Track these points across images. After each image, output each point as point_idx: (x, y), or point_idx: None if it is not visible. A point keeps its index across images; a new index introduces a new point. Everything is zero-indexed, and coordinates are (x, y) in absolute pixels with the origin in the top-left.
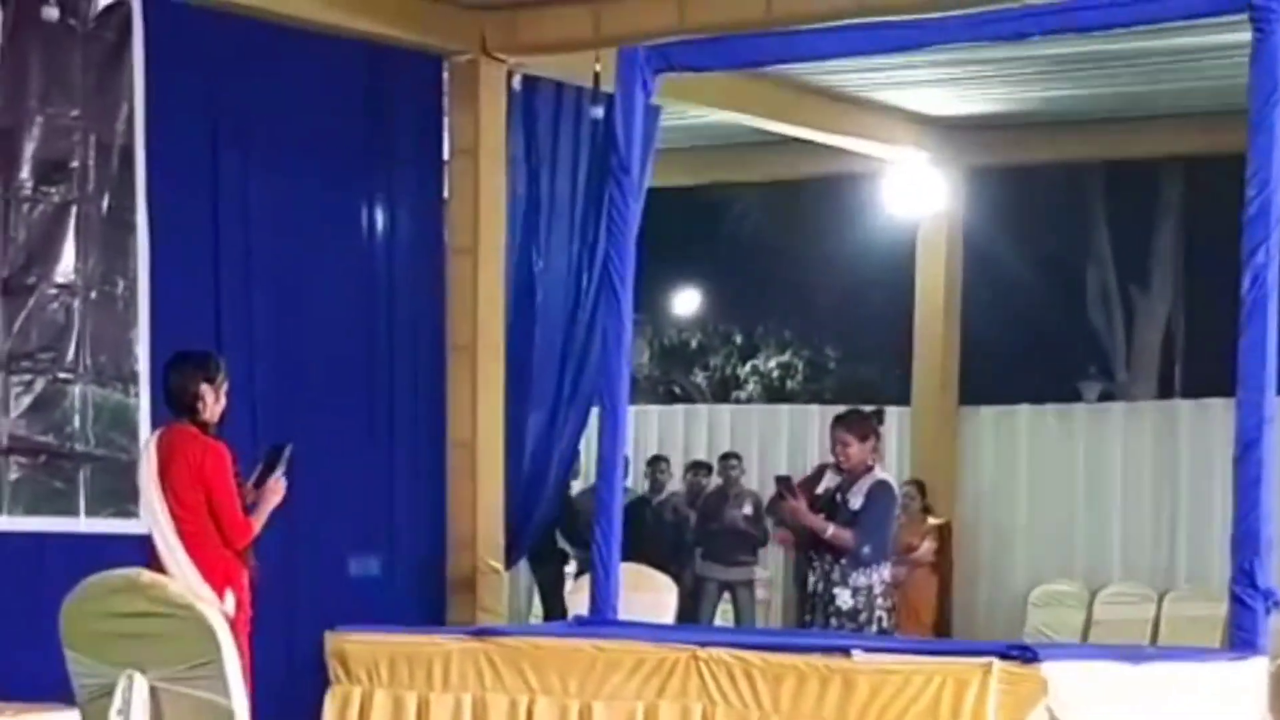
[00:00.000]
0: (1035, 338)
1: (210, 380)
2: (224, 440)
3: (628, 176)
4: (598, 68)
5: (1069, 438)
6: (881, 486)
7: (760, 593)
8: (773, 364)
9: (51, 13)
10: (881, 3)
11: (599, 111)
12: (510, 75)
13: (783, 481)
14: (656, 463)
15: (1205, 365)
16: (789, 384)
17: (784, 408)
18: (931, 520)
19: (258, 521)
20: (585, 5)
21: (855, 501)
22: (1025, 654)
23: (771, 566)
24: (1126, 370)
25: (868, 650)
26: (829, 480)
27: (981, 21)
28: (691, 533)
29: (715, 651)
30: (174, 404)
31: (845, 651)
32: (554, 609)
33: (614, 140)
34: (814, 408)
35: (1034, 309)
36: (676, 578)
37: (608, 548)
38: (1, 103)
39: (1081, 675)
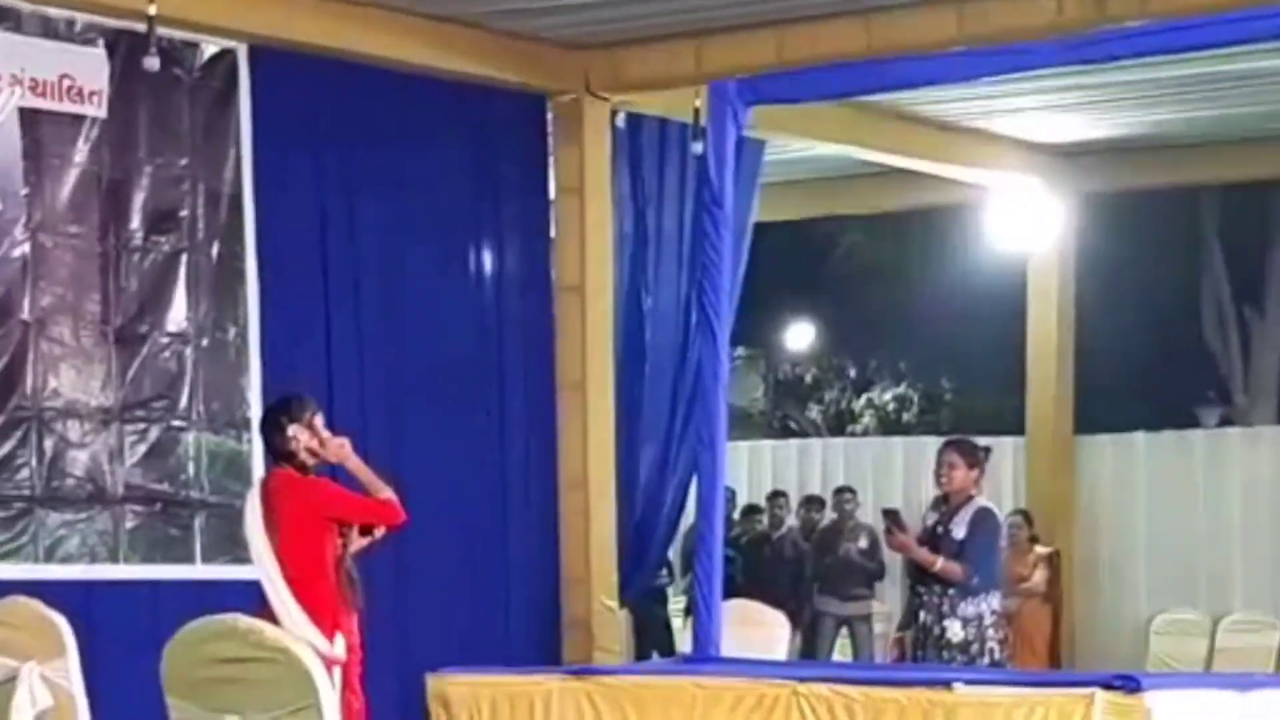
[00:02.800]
0: (1151, 364)
1: (297, 420)
2: (332, 478)
3: (720, 210)
4: (698, 103)
5: (1187, 464)
6: (984, 514)
7: (878, 627)
8: (888, 396)
9: (153, 63)
10: (982, 31)
11: (699, 147)
12: (614, 113)
13: (890, 515)
14: (775, 498)
15: None
16: (904, 416)
17: (897, 440)
18: (1039, 550)
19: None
20: (686, 41)
21: (959, 531)
22: (1129, 684)
23: (889, 600)
24: (1245, 394)
25: (969, 683)
26: (929, 515)
27: (1071, 46)
28: (808, 568)
29: (814, 687)
30: (272, 454)
31: (947, 685)
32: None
33: (706, 173)
34: (928, 440)
35: (1149, 334)
36: (796, 613)
37: (709, 585)
38: (111, 154)
39: (1186, 704)
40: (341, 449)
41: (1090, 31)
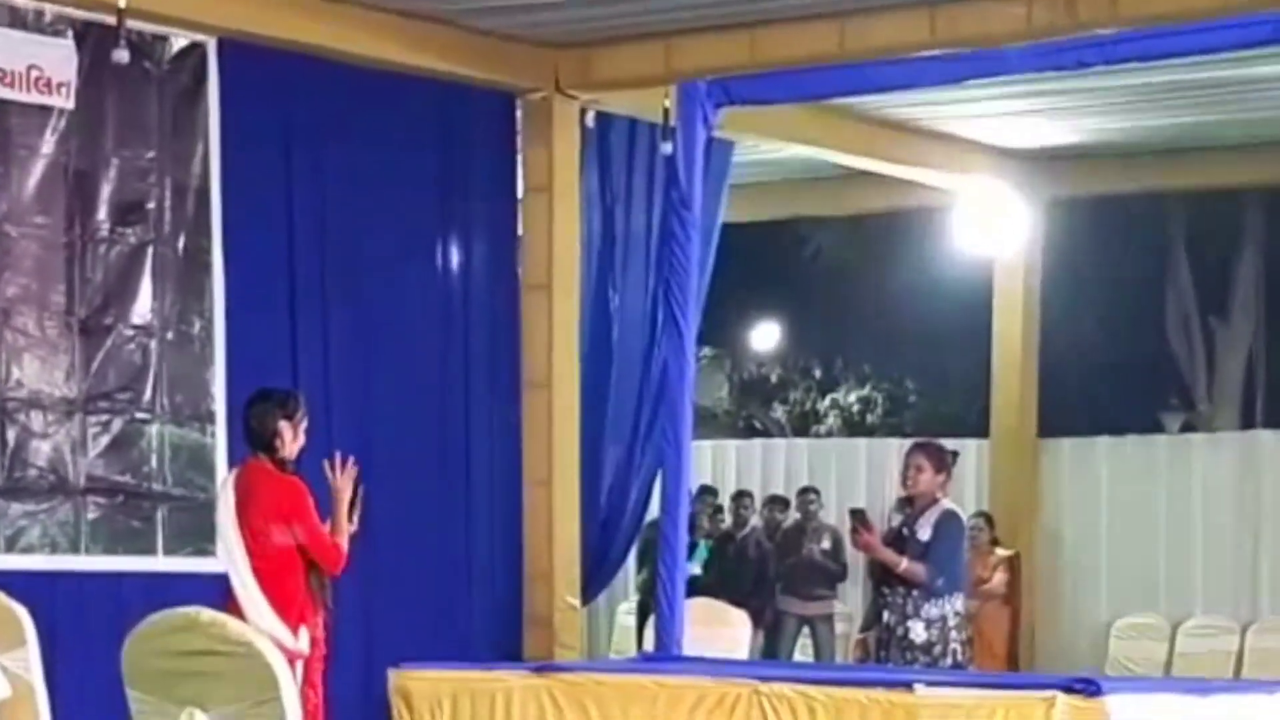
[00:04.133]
0: (1116, 368)
1: (289, 417)
2: (301, 476)
3: (688, 211)
4: (667, 103)
5: (1150, 469)
6: (949, 516)
7: (840, 627)
8: (852, 398)
9: (122, 55)
10: (954, 36)
11: (668, 147)
12: (583, 112)
13: (856, 515)
14: (740, 498)
15: None
16: (869, 418)
17: (861, 441)
18: (1000, 552)
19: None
20: (657, 41)
21: (924, 533)
22: (1089, 687)
23: (851, 601)
24: (1209, 401)
25: (931, 684)
26: (894, 518)
27: (1042, 53)
28: (771, 567)
29: (777, 686)
30: (253, 440)
31: (908, 686)
32: None
33: (675, 175)
34: (892, 441)
35: (1114, 339)
36: (759, 612)
37: (672, 584)
38: (78, 146)
39: (1145, 708)
40: (348, 479)
41: (1061, 38)
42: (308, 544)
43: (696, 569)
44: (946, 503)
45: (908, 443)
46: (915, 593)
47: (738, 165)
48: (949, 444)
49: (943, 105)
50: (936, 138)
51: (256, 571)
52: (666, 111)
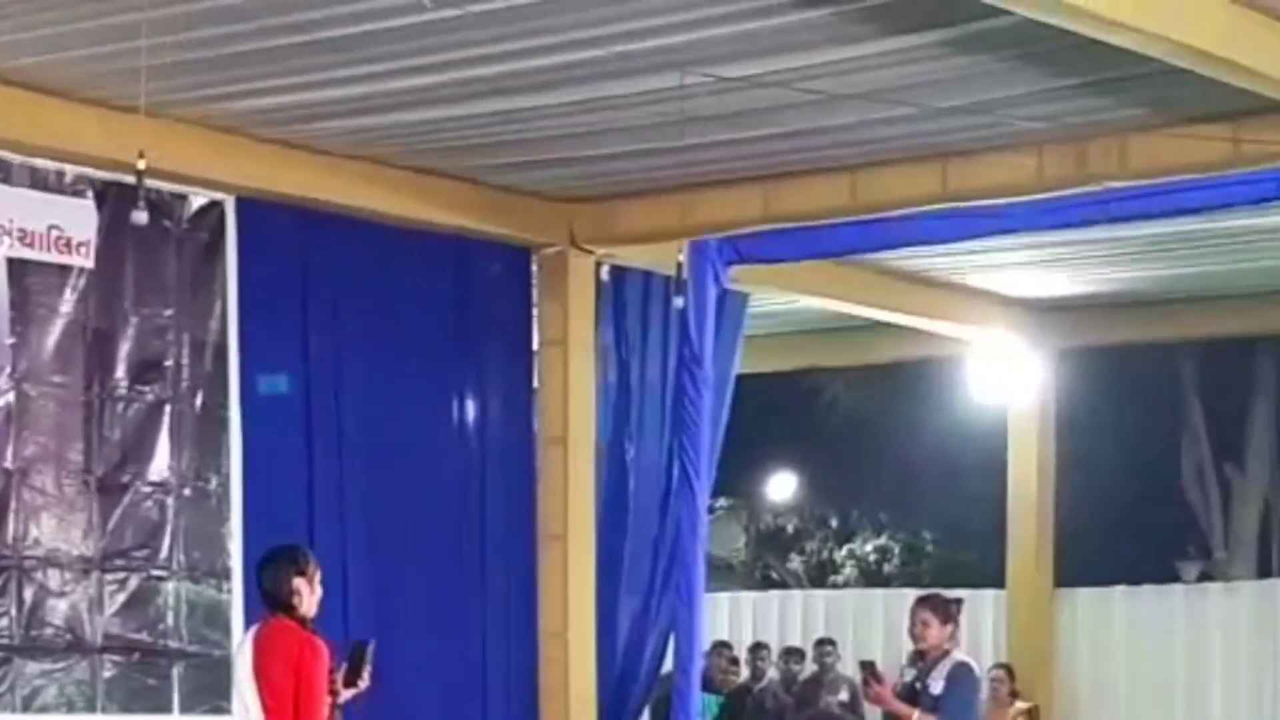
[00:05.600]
0: (1132, 517)
1: (303, 574)
2: (319, 633)
3: (700, 369)
4: (681, 258)
5: (1167, 618)
6: (961, 668)
7: None
8: (869, 548)
9: (141, 217)
10: (965, 188)
11: (680, 301)
12: (599, 265)
13: (866, 666)
14: (757, 650)
15: None
16: (885, 568)
17: (879, 592)
18: (1020, 704)
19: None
20: (671, 196)
21: (936, 686)
22: None
23: None
24: (1225, 549)
25: None
26: (906, 673)
27: (1049, 210)
28: None
29: None
30: (270, 603)
31: None
32: None
33: (687, 331)
34: (909, 592)
35: (1129, 489)
36: None
37: None
38: (97, 304)
39: None
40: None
41: (1070, 192)
42: (302, 706)
43: None
44: (958, 654)
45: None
46: None
47: (752, 316)
48: (963, 594)
49: (954, 256)
50: (949, 288)
51: None
52: (680, 265)
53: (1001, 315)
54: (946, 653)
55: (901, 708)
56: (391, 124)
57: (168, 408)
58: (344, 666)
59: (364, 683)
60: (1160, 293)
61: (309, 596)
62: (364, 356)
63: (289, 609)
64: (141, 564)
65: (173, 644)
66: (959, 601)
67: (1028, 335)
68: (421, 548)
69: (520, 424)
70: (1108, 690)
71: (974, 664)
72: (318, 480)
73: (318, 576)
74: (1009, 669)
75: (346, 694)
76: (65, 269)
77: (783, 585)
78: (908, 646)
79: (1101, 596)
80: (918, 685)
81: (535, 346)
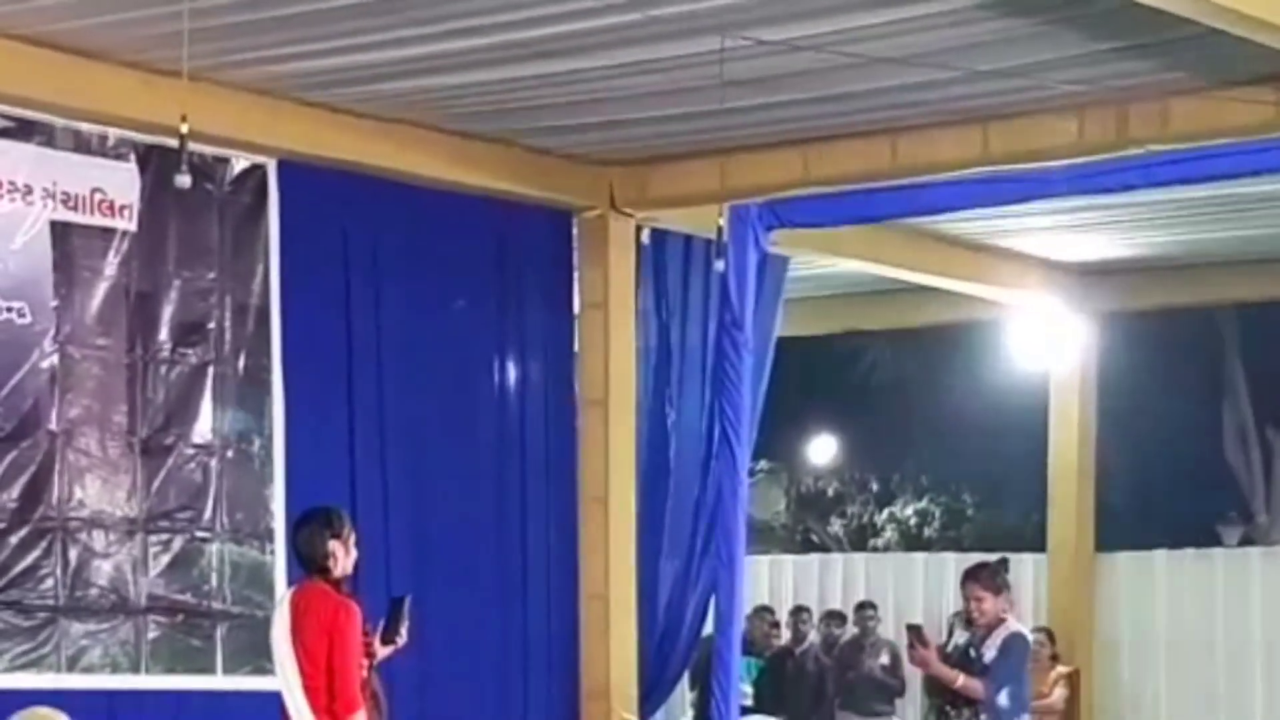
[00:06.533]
0: (1173, 482)
1: (338, 535)
2: (357, 595)
3: (740, 331)
4: (721, 222)
5: (1208, 582)
6: (1016, 638)
7: None
8: (910, 511)
9: (184, 181)
10: (1006, 150)
11: (721, 265)
12: (639, 229)
13: (913, 630)
14: (798, 613)
15: None
16: (926, 531)
17: (919, 556)
18: (1060, 669)
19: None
20: (711, 159)
21: (989, 654)
22: None
23: (910, 716)
24: (1266, 513)
25: None
26: (958, 635)
27: (1089, 175)
28: (830, 683)
29: None
30: (305, 564)
31: None
32: None
33: (727, 294)
34: (949, 556)
35: (1171, 452)
36: None
37: (725, 703)
38: (140, 267)
39: None
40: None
41: (1112, 153)
42: (336, 670)
43: (746, 687)
44: (1013, 623)
45: (965, 558)
46: (983, 716)
47: (792, 279)
48: (1002, 556)
49: (995, 220)
50: (989, 252)
51: (306, 690)
52: (720, 229)
53: (1042, 279)
54: (1001, 620)
55: (946, 671)
56: (432, 87)
57: (210, 370)
58: (381, 624)
59: (402, 639)
60: (1202, 256)
61: (344, 558)
62: (405, 320)
63: (324, 571)
64: (185, 525)
65: (216, 605)
66: (1004, 562)
67: (1069, 299)
68: (463, 510)
69: (561, 387)
70: (1148, 654)
71: (1027, 633)
72: (359, 442)
73: (352, 538)
74: (1049, 633)
75: (384, 651)
76: (108, 232)
77: (823, 548)
78: (948, 610)
79: (1142, 560)
80: (971, 652)
81: (576, 310)
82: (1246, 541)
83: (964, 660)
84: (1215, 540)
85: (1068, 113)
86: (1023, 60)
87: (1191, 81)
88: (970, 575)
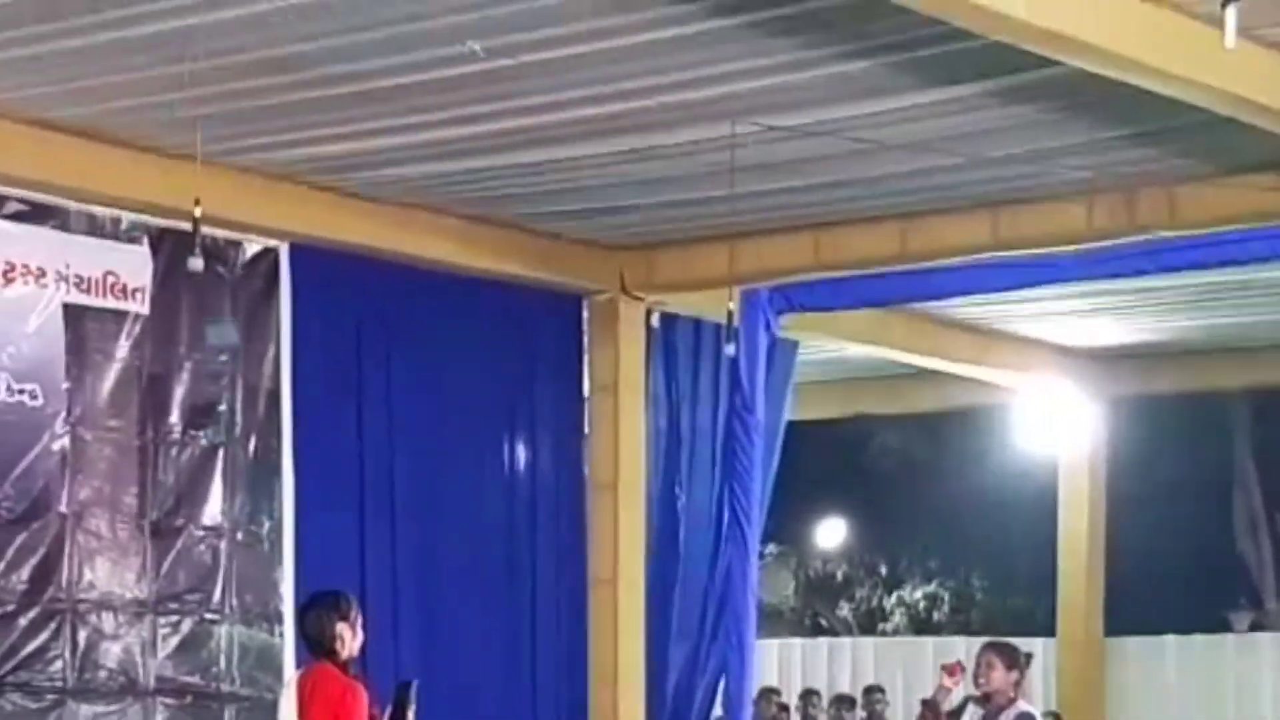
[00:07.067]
0: (1183, 566)
1: (345, 618)
2: (365, 677)
3: (751, 415)
4: (731, 305)
5: (1218, 668)
6: (1026, 718)
7: None
8: (918, 594)
9: (197, 264)
10: (1015, 236)
11: (732, 349)
12: (649, 312)
13: (928, 705)
14: (808, 696)
15: None
16: (935, 615)
17: (928, 640)
18: None
19: None
20: (721, 243)
21: None
22: None
23: None
24: (1276, 599)
25: None
26: (971, 714)
27: (1098, 261)
28: None
29: None
30: (313, 648)
31: None
32: None
33: (738, 378)
34: (959, 639)
35: (1180, 538)
36: None
37: None
38: (152, 350)
39: None
40: None
41: (1121, 239)
42: None
43: None
44: (1023, 704)
45: (975, 641)
46: None
47: (802, 364)
48: (1019, 643)
49: (1004, 305)
50: (999, 336)
51: None
52: (730, 313)
53: (1052, 363)
54: (1012, 700)
55: None
56: (443, 172)
57: (221, 452)
58: (389, 710)
59: (410, 716)
60: (1210, 341)
61: (351, 641)
62: (416, 402)
63: (332, 653)
64: (194, 607)
65: (225, 687)
66: (1029, 655)
67: (1078, 383)
68: (472, 593)
69: (571, 469)
70: None
71: (1038, 715)
72: (369, 525)
73: (360, 620)
74: (1059, 718)
75: None
76: (121, 314)
77: (832, 632)
78: (957, 696)
79: (1152, 646)
80: None
81: (586, 392)
82: (1256, 627)
83: None
84: (1225, 626)
85: (1077, 199)
86: (1032, 147)
87: (1200, 168)
88: (991, 644)
